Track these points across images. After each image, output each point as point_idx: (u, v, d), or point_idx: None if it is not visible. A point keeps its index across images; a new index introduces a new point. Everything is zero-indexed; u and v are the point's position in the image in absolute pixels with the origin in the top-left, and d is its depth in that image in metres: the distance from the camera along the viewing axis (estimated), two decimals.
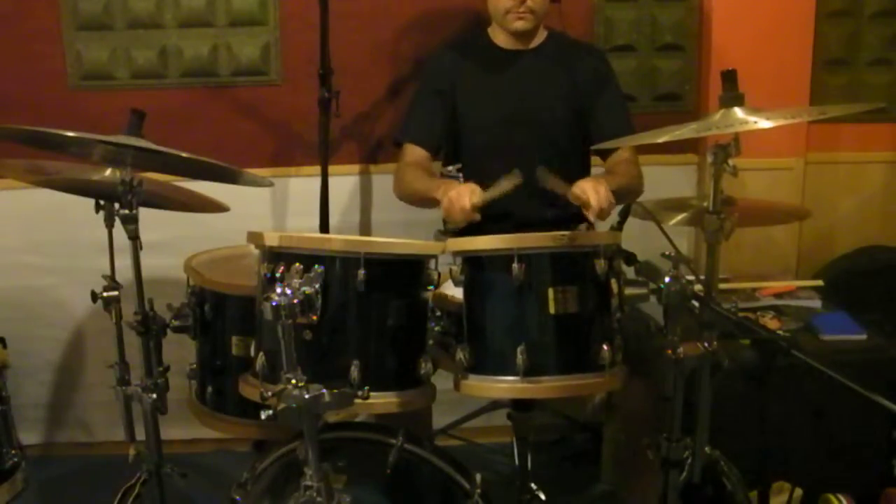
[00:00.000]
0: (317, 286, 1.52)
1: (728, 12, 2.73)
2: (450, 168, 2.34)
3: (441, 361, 1.79)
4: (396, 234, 2.47)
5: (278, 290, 1.42)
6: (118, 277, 1.84)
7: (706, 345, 1.60)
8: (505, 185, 1.86)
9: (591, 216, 1.85)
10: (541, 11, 2.25)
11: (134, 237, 1.74)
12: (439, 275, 1.74)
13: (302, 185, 2.68)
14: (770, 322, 2.36)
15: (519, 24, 2.25)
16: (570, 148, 2.35)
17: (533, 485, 1.93)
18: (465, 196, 1.91)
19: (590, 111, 2.33)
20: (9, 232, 2.73)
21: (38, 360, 2.83)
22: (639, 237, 1.80)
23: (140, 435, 1.86)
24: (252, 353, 1.69)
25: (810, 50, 2.77)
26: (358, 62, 2.64)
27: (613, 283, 1.69)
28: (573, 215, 2.35)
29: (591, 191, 1.85)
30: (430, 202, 2.13)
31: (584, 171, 2.36)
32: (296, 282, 1.47)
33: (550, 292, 1.62)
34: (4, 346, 2.69)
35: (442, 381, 1.75)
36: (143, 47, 2.65)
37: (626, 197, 2.01)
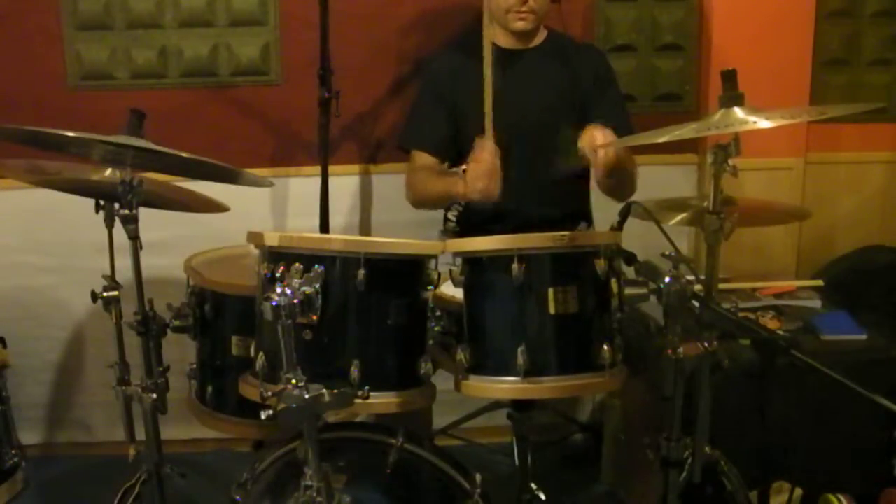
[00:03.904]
0: (317, 286, 1.52)
1: (728, 12, 2.74)
2: (453, 169, 2.35)
3: (441, 361, 1.79)
4: (396, 234, 2.47)
5: (278, 290, 1.42)
6: (118, 277, 1.84)
7: (706, 345, 1.60)
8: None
9: (597, 162, 1.91)
10: (541, 11, 2.26)
11: (134, 237, 1.74)
12: (439, 275, 1.74)
13: (302, 185, 2.68)
14: (770, 322, 2.36)
15: (519, 24, 2.25)
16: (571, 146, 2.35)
17: (533, 485, 1.93)
18: (482, 162, 1.94)
19: (590, 112, 2.33)
20: (9, 232, 2.74)
21: (38, 360, 2.83)
22: (639, 237, 1.80)
23: (140, 435, 1.87)
24: (252, 353, 1.68)
25: (810, 50, 2.77)
26: (358, 62, 2.64)
27: (613, 283, 1.69)
28: (573, 215, 2.36)
29: (599, 135, 1.91)
30: (450, 199, 2.14)
31: (584, 171, 2.36)
32: (296, 282, 1.47)
33: (550, 292, 1.62)
34: (4, 346, 2.69)
35: (442, 381, 1.75)
36: (143, 47, 2.65)
37: (619, 183, 2.05)
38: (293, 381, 1.42)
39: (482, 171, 1.97)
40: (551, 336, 1.64)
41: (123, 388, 1.84)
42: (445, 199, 2.20)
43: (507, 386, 1.64)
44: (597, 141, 1.91)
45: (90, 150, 1.71)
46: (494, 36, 2.37)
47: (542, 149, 2.33)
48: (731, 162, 1.61)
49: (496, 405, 2.58)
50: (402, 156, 2.47)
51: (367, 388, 1.56)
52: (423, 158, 2.33)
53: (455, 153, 2.37)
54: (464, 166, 2.33)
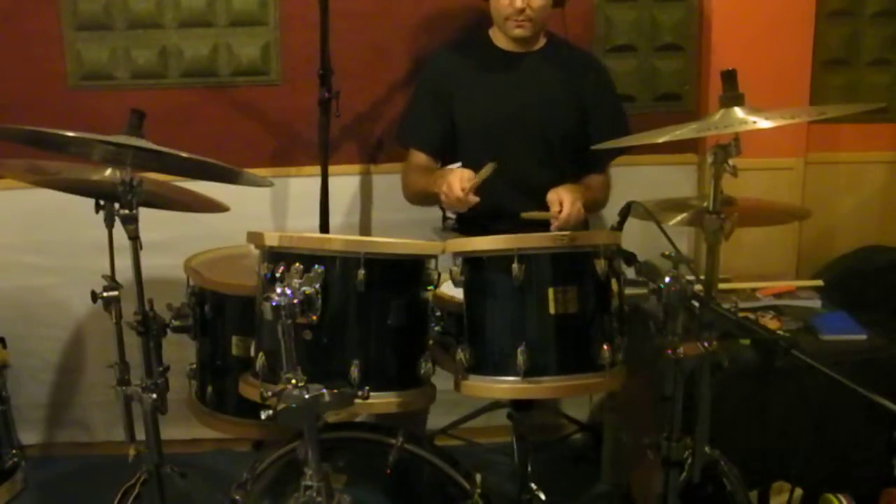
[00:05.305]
0: (317, 286, 1.52)
1: (728, 12, 2.73)
2: (449, 167, 2.35)
3: (441, 361, 1.79)
4: (396, 234, 2.47)
5: (278, 290, 1.42)
6: (118, 277, 1.84)
7: (706, 345, 1.60)
8: (483, 172, 2.02)
9: (554, 223, 2.04)
10: (539, 19, 2.27)
11: (134, 237, 1.74)
12: (439, 275, 1.74)
13: (302, 185, 2.68)
14: (770, 322, 2.36)
15: (517, 32, 2.28)
16: (564, 151, 2.36)
17: (533, 485, 1.93)
18: (455, 187, 2.02)
19: (588, 121, 2.35)
20: (9, 232, 2.73)
21: (38, 360, 2.83)
22: (639, 237, 1.80)
23: (140, 435, 1.86)
24: (252, 353, 1.69)
25: (810, 50, 2.77)
26: (358, 62, 2.64)
27: (613, 283, 1.69)
28: None
29: (567, 203, 2.04)
30: (433, 197, 2.17)
31: (577, 175, 2.37)
32: (296, 282, 1.47)
33: (550, 292, 1.62)
34: (4, 346, 2.69)
35: (442, 381, 1.75)
36: (143, 47, 2.65)
37: (588, 211, 2.19)
38: (293, 381, 1.42)
39: (453, 198, 2.05)
40: (551, 336, 1.64)
41: (123, 388, 1.84)
42: (429, 196, 2.24)
43: (506, 386, 1.65)
44: (562, 210, 2.05)
45: (90, 150, 1.71)
46: (495, 38, 2.38)
47: (540, 150, 2.34)
48: (731, 162, 1.61)
49: (496, 405, 2.58)
50: (402, 156, 2.48)
51: (367, 388, 1.56)
52: (418, 157, 2.37)
53: (448, 149, 2.39)
54: (459, 164, 2.35)
